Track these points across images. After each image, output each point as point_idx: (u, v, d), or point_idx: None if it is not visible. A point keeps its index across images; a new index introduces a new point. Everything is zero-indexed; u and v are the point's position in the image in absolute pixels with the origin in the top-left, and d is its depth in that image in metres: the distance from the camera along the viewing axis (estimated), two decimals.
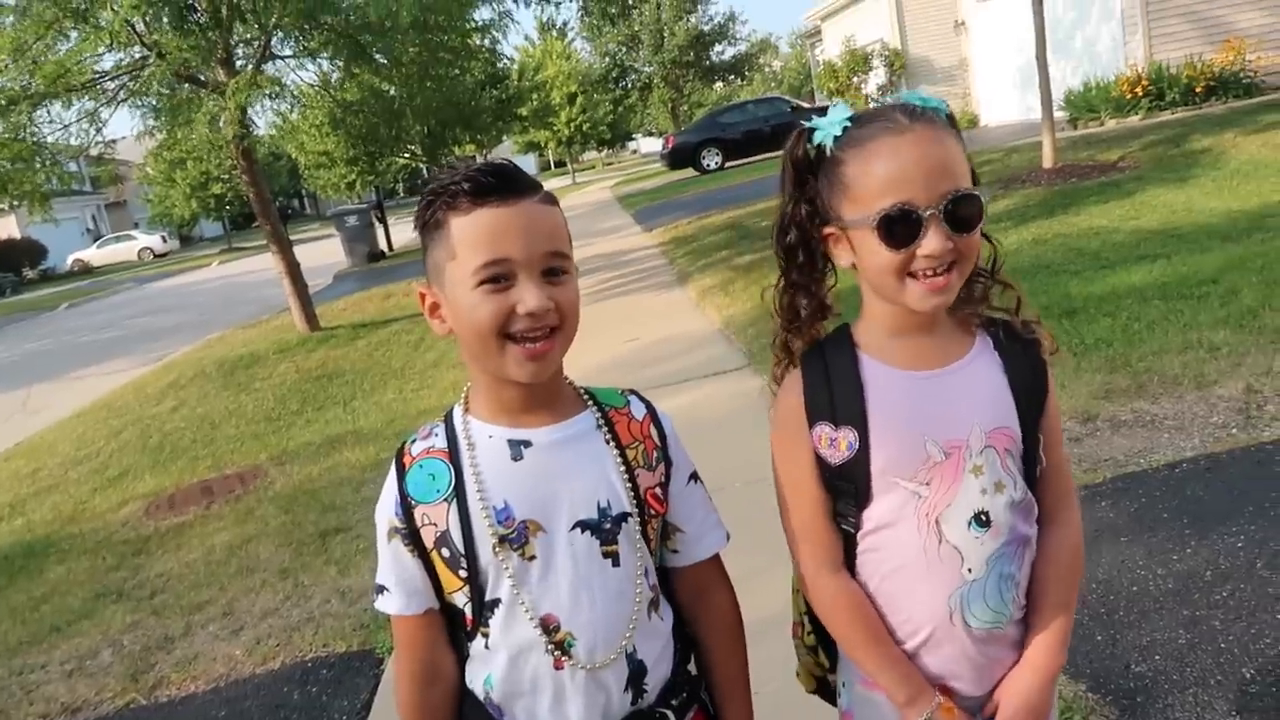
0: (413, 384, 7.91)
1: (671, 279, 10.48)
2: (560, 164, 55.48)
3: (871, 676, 1.40)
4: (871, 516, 1.37)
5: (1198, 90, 14.90)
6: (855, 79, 26.31)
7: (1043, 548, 1.41)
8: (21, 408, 11.03)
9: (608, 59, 46.14)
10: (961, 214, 1.25)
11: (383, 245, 21.33)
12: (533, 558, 1.30)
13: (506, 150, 54.18)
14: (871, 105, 1.41)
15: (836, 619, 1.42)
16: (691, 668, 1.44)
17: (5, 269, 38.39)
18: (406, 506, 1.32)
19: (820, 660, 1.56)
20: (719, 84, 51.13)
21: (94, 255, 44.69)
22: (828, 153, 1.33)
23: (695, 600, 1.46)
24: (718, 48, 46.84)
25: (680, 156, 27.30)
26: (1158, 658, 2.64)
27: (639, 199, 22.77)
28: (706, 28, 45.55)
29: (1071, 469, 1.49)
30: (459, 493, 1.31)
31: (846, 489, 1.37)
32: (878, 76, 26.11)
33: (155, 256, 44.41)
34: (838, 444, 1.35)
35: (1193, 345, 4.85)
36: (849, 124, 1.32)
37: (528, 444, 1.32)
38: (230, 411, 8.25)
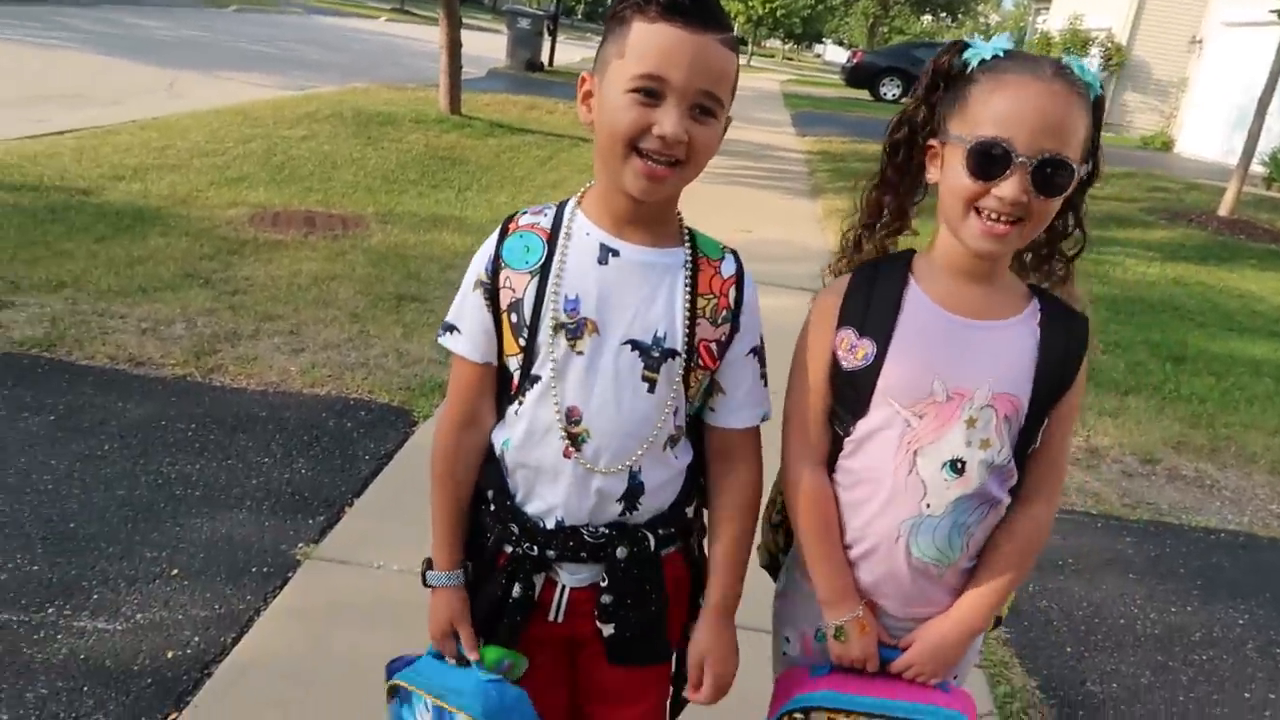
0: (527, 195, 8.03)
1: (805, 189, 10.32)
2: (741, 41, 53.96)
3: (810, 570, 1.49)
4: (862, 427, 1.43)
5: None
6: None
7: (1009, 519, 1.45)
8: (168, 88, 11.44)
9: None
10: (1049, 176, 1.27)
11: (544, 58, 21.19)
12: (580, 353, 1.38)
13: None
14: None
15: (799, 508, 1.49)
16: (689, 511, 1.53)
17: None
18: (496, 267, 1.41)
19: (777, 539, 1.68)
20: (927, 17, 48.84)
21: None
22: (968, 70, 1.35)
23: (720, 464, 1.52)
24: None
25: (861, 76, 26.43)
26: (1115, 686, 2.70)
27: (804, 102, 22.18)
28: None
29: (1067, 462, 1.52)
30: (545, 271, 1.39)
31: (849, 395, 1.44)
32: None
33: None
34: (856, 351, 1.42)
35: None
36: (1001, 55, 1.34)
37: (616, 253, 1.39)
38: (353, 159, 8.49)
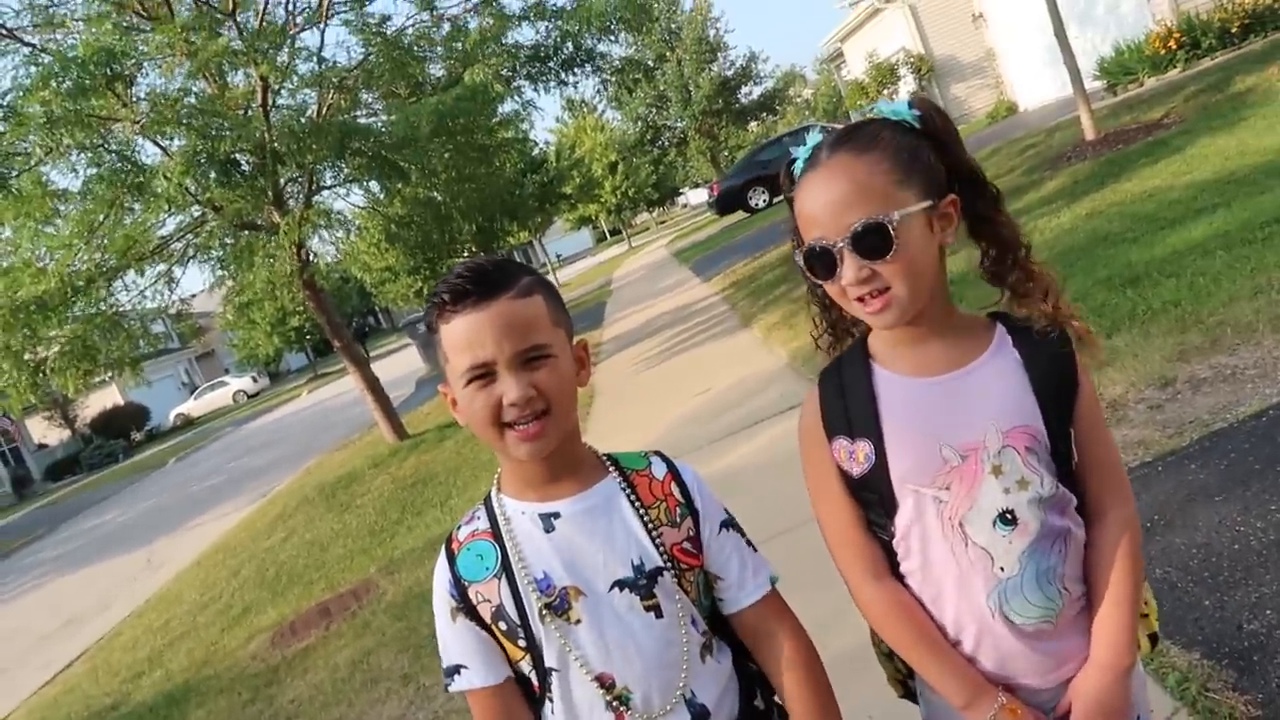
0: None
1: (736, 323, 10.53)
2: (615, 231, 56.33)
3: (931, 682, 1.40)
4: (900, 524, 1.38)
5: (1233, 31, 14.48)
6: (885, 91, 26.28)
7: (1091, 543, 1.38)
8: (146, 564, 11.53)
9: (640, 122, 46.92)
10: (867, 243, 1.28)
11: None
12: (578, 621, 1.38)
13: (557, 229, 54.94)
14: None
15: (886, 626, 1.42)
16: (759, 703, 1.48)
17: (115, 435, 40.28)
18: (460, 587, 1.42)
19: (897, 665, 1.56)
20: (753, 124, 51.51)
21: (193, 407, 46.60)
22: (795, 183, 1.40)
23: (757, 644, 1.48)
24: (744, 89, 47.36)
25: (728, 201, 27.53)
26: (1269, 612, 2.57)
27: (694, 251, 22.97)
28: (730, 73, 46.16)
29: (1119, 461, 1.45)
30: (506, 568, 1.40)
31: (872, 499, 1.39)
32: (907, 84, 26.04)
33: (249, 397, 46.06)
34: (856, 456, 1.38)
35: (1263, 289, 4.72)
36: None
37: (556, 515, 1.42)
38: (336, 532, 8.52)
